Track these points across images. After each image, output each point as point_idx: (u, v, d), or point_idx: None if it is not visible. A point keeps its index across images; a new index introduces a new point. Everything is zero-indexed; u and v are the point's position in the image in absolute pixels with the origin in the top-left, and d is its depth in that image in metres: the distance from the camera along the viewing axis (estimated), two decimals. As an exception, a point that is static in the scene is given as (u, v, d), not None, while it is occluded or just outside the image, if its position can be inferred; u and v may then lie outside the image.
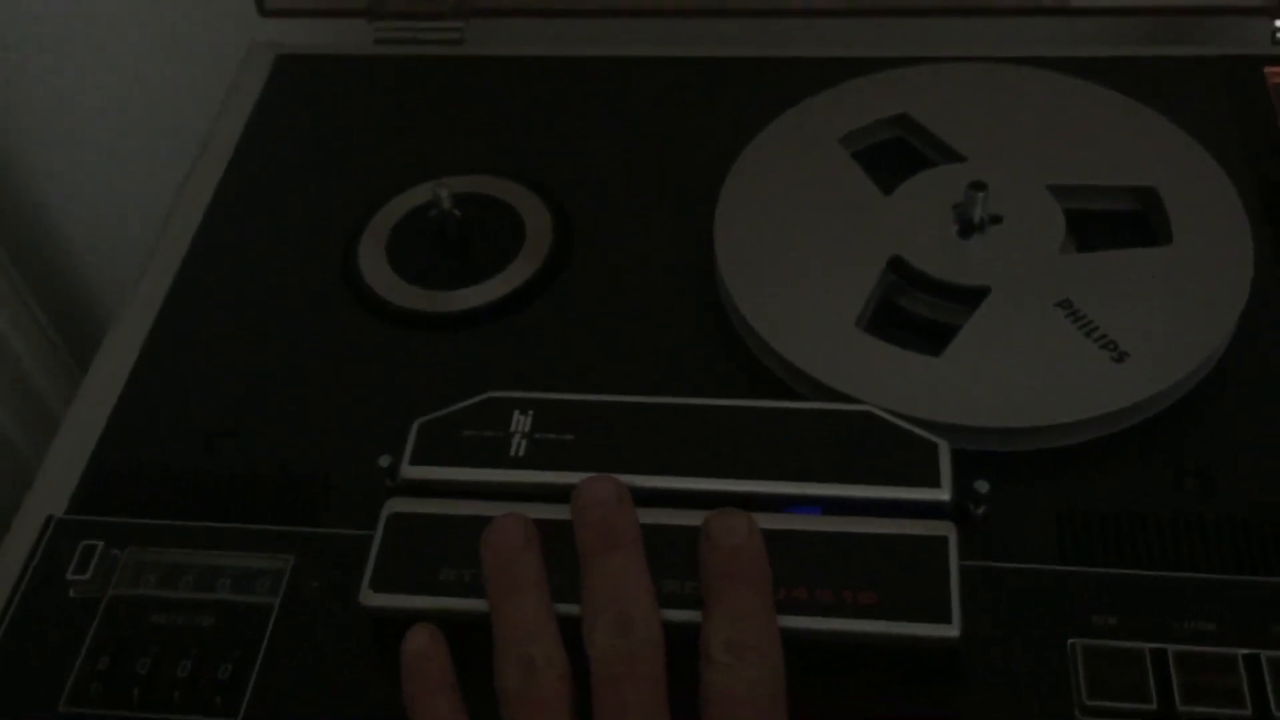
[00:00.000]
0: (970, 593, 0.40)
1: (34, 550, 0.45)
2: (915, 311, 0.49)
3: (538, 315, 0.52)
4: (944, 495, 0.41)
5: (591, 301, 0.52)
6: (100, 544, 0.44)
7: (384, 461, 0.44)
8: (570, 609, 0.38)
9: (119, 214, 0.83)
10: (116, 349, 0.52)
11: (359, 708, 0.40)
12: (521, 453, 0.43)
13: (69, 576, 0.43)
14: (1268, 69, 0.56)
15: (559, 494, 0.41)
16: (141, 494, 0.46)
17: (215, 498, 0.46)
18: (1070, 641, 0.39)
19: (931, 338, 0.48)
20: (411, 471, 0.43)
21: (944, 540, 0.39)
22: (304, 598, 0.43)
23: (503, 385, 0.45)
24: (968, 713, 0.38)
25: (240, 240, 0.56)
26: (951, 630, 0.38)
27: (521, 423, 0.44)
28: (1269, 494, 0.43)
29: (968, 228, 0.50)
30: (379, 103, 0.62)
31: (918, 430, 0.42)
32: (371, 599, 0.40)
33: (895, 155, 0.55)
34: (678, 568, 0.39)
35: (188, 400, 0.50)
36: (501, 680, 0.36)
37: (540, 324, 0.51)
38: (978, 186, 0.49)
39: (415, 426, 0.44)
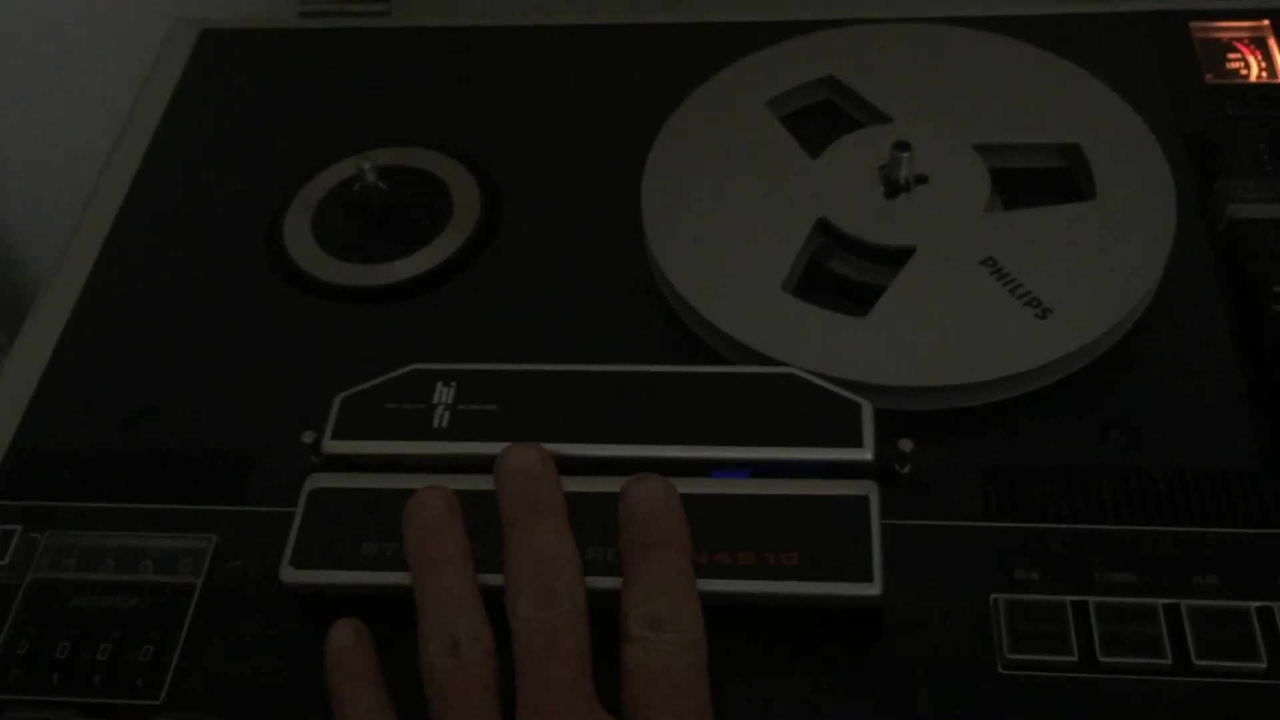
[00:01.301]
0: (893, 551, 0.40)
1: (-48, 537, 0.44)
2: (842, 274, 0.49)
3: (465, 287, 0.51)
4: (866, 455, 0.41)
5: (520, 273, 0.52)
6: (19, 528, 0.43)
7: (307, 437, 0.43)
8: (497, 579, 0.37)
9: (43, 191, 0.81)
10: (38, 329, 0.51)
11: (282, 686, 0.39)
12: (445, 424, 0.43)
13: (-13, 562, 0.42)
14: (1192, 24, 0.56)
15: (483, 464, 0.41)
16: (62, 476, 0.46)
17: (137, 478, 0.45)
18: (993, 596, 0.39)
19: (859, 300, 0.47)
20: (334, 446, 0.43)
21: (865, 500, 0.39)
22: (227, 577, 0.42)
23: (430, 358, 0.45)
24: (891, 671, 0.38)
25: (164, 217, 0.55)
26: (873, 589, 0.38)
27: (445, 394, 0.43)
28: (1192, 447, 0.43)
29: (894, 189, 0.49)
30: (305, 76, 0.62)
31: (840, 391, 0.42)
32: (292, 575, 0.40)
33: (823, 118, 0.55)
34: (603, 535, 0.39)
35: (111, 380, 0.49)
36: (426, 658, 0.36)
37: (468, 296, 0.51)
38: (903, 147, 0.49)
39: (338, 401, 0.44)
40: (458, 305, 0.51)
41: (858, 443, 0.41)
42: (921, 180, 0.50)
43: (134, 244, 0.54)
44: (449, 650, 0.35)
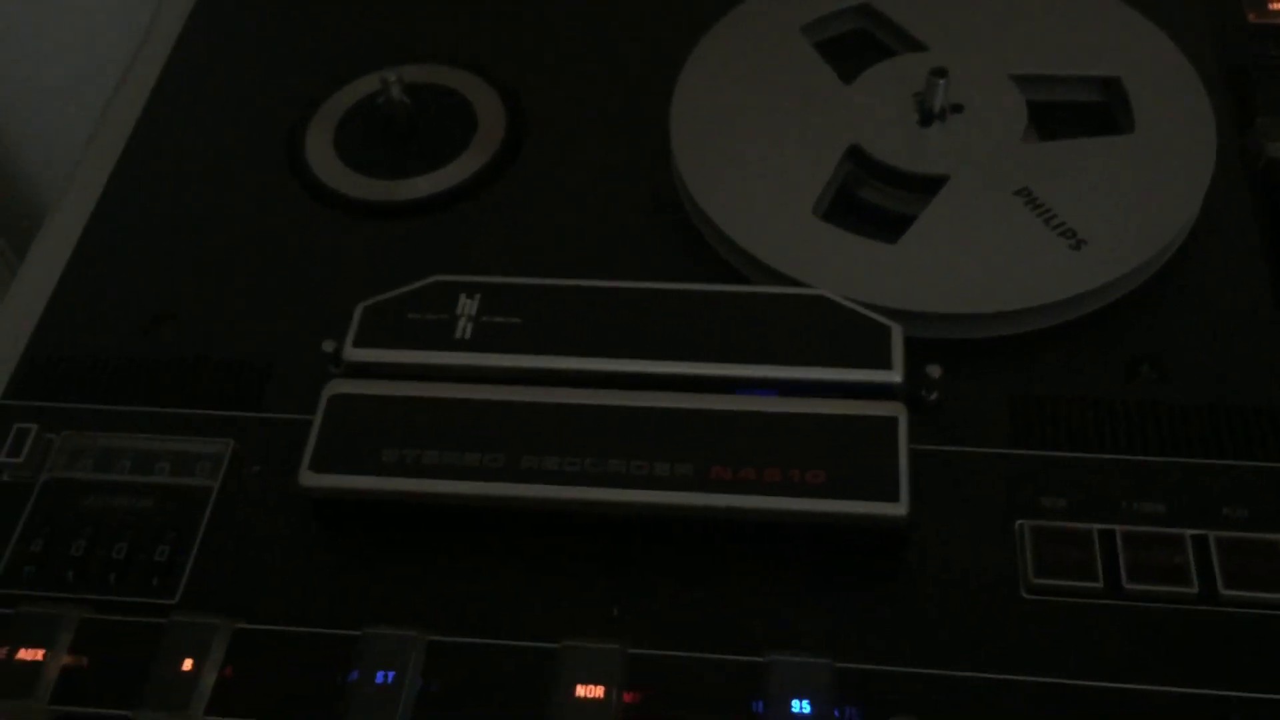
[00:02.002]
0: (919, 475, 0.39)
1: (-34, 436, 0.43)
2: (873, 201, 0.48)
3: (488, 206, 0.51)
4: (895, 377, 0.40)
5: (544, 192, 0.51)
6: (34, 427, 0.42)
7: (328, 346, 0.43)
8: (503, 488, 0.37)
9: (57, 105, 0.80)
10: (56, 233, 0.50)
11: (297, 588, 0.39)
12: (467, 335, 0.42)
13: (1, 460, 0.42)
14: (1237, -38, 0.55)
15: (504, 377, 0.41)
16: (79, 380, 0.45)
17: (154, 383, 0.45)
18: (1019, 523, 0.39)
19: (889, 228, 0.47)
20: (355, 354, 0.42)
21: (894, 421, 0.39)
22: (243, 481, 0.42)
23: (451, 273, 0.44)
24: (914, 594, 0.38)
25: (184, 126, 0.54)
26: (899, 509, 0.37)
27: (468, 306, 0.43)
28: (1224, 382, 0.42)
29: (928, 116, 0.48)
30: (331, -9, 0.61)
31: (870, 313, 0.41)
32: (311, 479, 0.39)
33: (858, 47, 0.54)
34: (622, 447, 0.38)
35: (128, 285, 0.48)
36: None
37: (491, 215, 0.50)
38: (939, 73, 0.48)
39: (359, 309, 0.43)
40: (480, 223, 0.50)
41: (887, 365, 0.40)
42: (957, 109, 0.49)
43: (153, 153, 0.53)
44: None
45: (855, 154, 0.48)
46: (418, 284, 0.43)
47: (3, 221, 0.86)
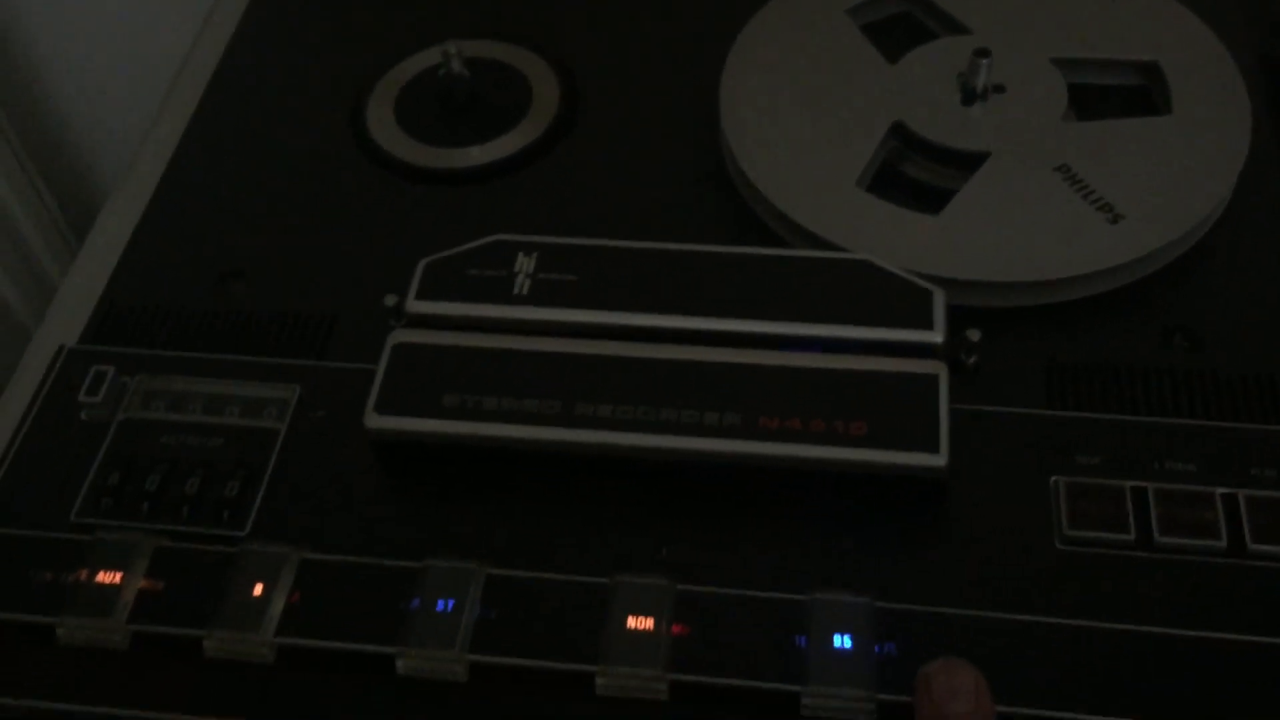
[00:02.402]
0: (958, 432, 0.41)
1: (45, 378, 0.46)
2: (915, 177, 0.50)
3: (543, 173, 0.53)
4: (937, 338, 0.42)
5: (596, 162, 0.53)
6: (111, 369, 0.44)
7: (390, 301, 0.45)
8: (559, 433, 0.40)
9: (119, 83, 0.83)
10: (130, 191, 0.52)
11: (360, 524, 0.41)
12: (525, 291, 0.44)
13: (80, 399, 0.44)
14: (1274, -47, 0.57)
15: (560, 329, 0.43)
16: (152, 329, 0.47)
17: (223, 334, 0.47)
18: (1054, 478, 0.40)
19: (931, 203, 0.48)
20: (417, 306, 0.44)
21: (935, 378, 0.40)
22: (309, 425, 0.44)
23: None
24: (952, 540, 0.39)
25: (252, 95, 0.57)
26: (939, 459, 0.39)
27: (525, 264, 0.45)
28: (1251, 352, 0.44)
29: (970, 95, 0.50)
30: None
31: (913, 277, 0.43)
32: (376, 421, 0.41)
33: (901, 29, 0.55)
34: (674, 397, 0.40)
35: (198, 243, 0.50)
36: None
37: (546, 182, 0.52)
38: (982, 53, 0.49)
39: (421, 265, 0.45)
40: (534, 190, 0.52)
41: (929, 326, 0.42)
42: (999, 90, 0.50)
43: (222, 119, 0.56)
44: None
45: (899, 130, 0.50)
46: (478, 242, 0.45)
47: (64, 200, 0.89)
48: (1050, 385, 0.43)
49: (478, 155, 0.53)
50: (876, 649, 0.36)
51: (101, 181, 0.92)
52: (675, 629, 0.37)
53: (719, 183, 0.51)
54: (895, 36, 0.54)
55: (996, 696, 0.35)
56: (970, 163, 0.49)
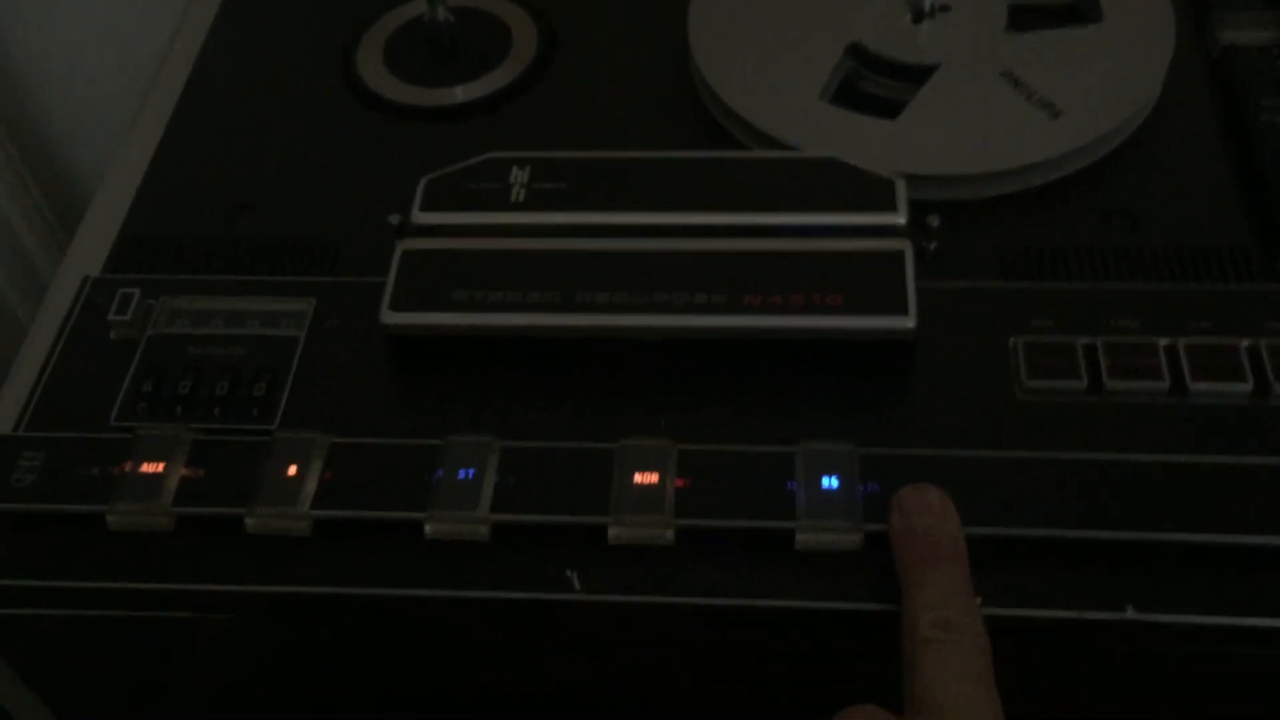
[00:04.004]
0: (924, 308, 0.44)
1: (73, 306, 0.49)
2: (872, 92, 0.54)
3: (525, 107, 0.56)
4: (901, 219, 0.46)
5: (575, 95, 0.57)
6: (137, 291, 0.48)
7: (393, 219, 0.48)
8: (561, 318, 0.43)
9: (103, 73, 0.85)
10: (140, 134, 0.56)
11: (382, 411, 0.44)
12: (521, 199, 0.47)
13: (110, 318, 0.47)
14: None
15: (556, 231, 0.46)
16: (170, 259, 0.50)
17: (238, 260, 0.50)
18: (1012, 340, 0.44)
19: (889, 114, 0.52)
20: (421, 217, 0.47)
21: (901, 252, 0.44)
22: (326, 333, 0.47)
23: (498, 161, 0.49)
24: (924, 394, 0.43)
25: (250, 50, 0.60)
26: (908, 321, 0.43)
27: (520, 176, 0.48)
28: (1183, 229, 0.48)
29: (919, 14, 0.54)
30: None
31: (876, 170, 0.47)
32: (391, 317, 0.45)
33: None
34: (664, 282, 0.44)
35: (207, 181, 0.54)
36: (923, 631, 0.36)
37: (528, 115, 0.56)
38: (928, -25, 0.54)
39: (423, 182, 0.48)
40: (518, 123, 0.56)
41: (893, 209, 0.46)
42: (944, 9, 0.55)
43: (221, 70, 0.59)
44: (944, 627, 0.36)
45: (856, 50, 0.54)
46: (474, 160, 0.49)
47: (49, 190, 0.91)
48: (1005, 265, 0.47)
49: (462, 94, 0.57)
50: (861, 488, 0.40)
51: (85, 172, 0.94)
52: (678, 482, 0.41)
53: (694, 109, 0.55)
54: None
55: (966, 519, 0.39)
56: (922, 76, 0.53)
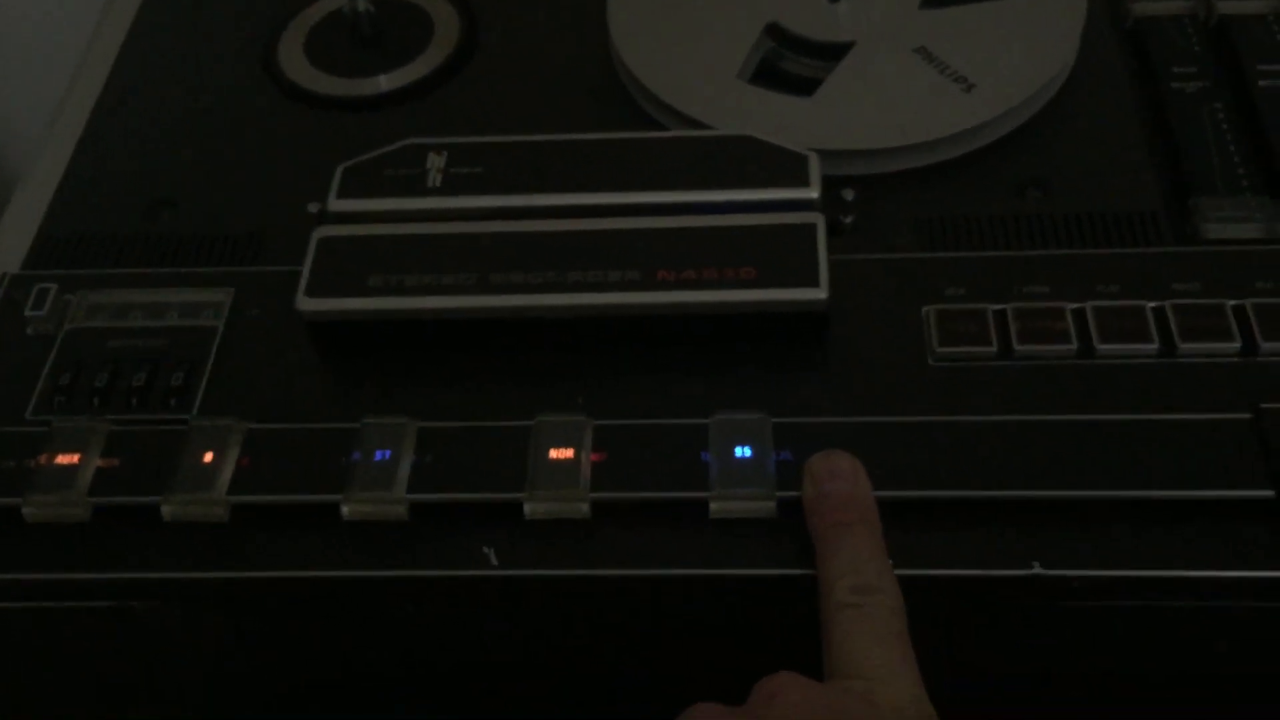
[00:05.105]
0: (838, 280, 0.45)
1: (-10, 305, 0.48)
2: (791, 71, 0.55)
3: (448, 96, 0.56)
4: (813, 193, 0.46)
5: (499, 82, 0.57)
6: (54, 286, 0.47)
7: (313, 207, 0.48)
8: (476, 300, 0.43)
9: (24, 69, 0.85)
10: (60, 130, 0.55)
11: (299, 397, 0.44)
12: (438, 184, 0.48)
13: (26, 314, 0.47)
14: None
15: (473, 215, 0.46)
16: (89, 254, 0.50)
17: (158, 254, 0.50)
18: (925, 308, 0.45)
19: (807, 92, 0.53)
20: (338, 204, 0.47)
21: (813, 225, 0.45)
22: (246, 322, 0.47)
23: (416, 151, 0.50)
24: (838, 363, 0.44)
25: (169, 44, 0.60)
26: (820, 293, 0.43)
27: (436, 161, 0.48)
28: (1094, 197, 0.49)
29: (833, -7, 0.55)
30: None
31: (790, 146, 0.47)
32: (307, 304, 0.45)
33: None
34: (579, 261, 0.44)
35: (128, 177, 0.54)
36: (840, 596, 0.37)
37: (451, 104, 0.56)
38: (843, -45, 0.54)
39: (340, 169, 0.48)
40: (439, 114, 0.56)
41: (805, 184, 0.46)
42: (860, -13, 0.55)
43: (143, 64, 0.59)
44: (860, 591, 0.37)
45: (773, 30, 0.55)
46: (391, 146, 0.49)
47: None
48: (919, 236, 0.48)
49: (385, 84, 0.57)
50: (774, 456, 0.41)
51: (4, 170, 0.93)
52: (594, 457, 0.41)
53: (616, 93, 0.55)
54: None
55: (879, 483, 0.39)
56: (839, 53, 0.53)
